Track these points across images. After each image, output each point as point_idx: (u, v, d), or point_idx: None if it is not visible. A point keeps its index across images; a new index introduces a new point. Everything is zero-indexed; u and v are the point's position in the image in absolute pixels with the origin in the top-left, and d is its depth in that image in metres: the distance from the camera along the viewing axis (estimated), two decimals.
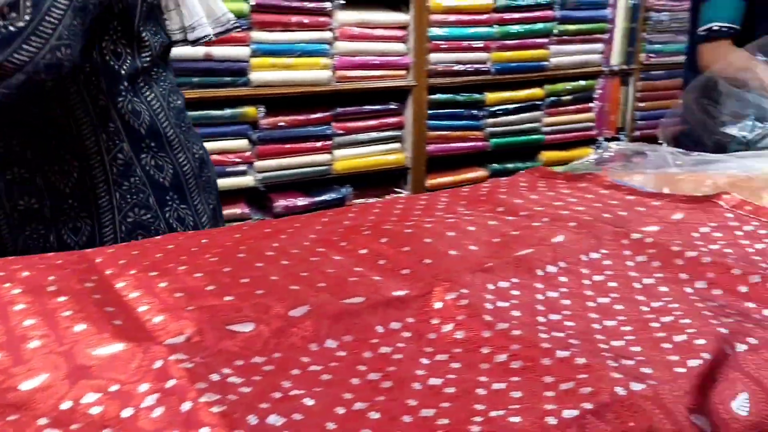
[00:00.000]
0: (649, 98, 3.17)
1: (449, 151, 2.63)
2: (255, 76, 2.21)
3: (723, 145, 1.40)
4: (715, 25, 1.62)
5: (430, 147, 2.58)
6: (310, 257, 0.82)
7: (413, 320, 0.63)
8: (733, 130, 1.34)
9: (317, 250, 0.85)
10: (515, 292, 0.69)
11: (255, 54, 2.21)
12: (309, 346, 0.59)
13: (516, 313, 0.64)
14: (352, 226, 0.94)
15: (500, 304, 0.66)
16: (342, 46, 2.32)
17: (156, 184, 1.07)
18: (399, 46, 2.44)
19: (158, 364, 0.53)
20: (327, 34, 2.29)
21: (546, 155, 2.91)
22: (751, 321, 0.62)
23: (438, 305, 0.65)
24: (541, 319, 0.64)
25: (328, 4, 2.27)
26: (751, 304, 0.66)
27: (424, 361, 0.58)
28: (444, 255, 0.80)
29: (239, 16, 2.10)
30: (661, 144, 1.65)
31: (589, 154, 2.74)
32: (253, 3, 2.18)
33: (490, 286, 0.69)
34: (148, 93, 1.07)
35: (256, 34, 2.21)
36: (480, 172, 2.74)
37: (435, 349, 0.60)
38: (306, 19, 2.25)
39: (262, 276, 0.72)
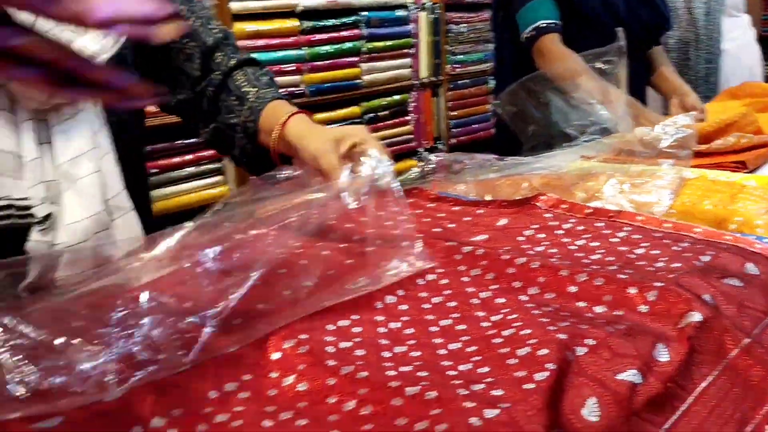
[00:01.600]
0: (459, 106, 3.32)
1: None
2: None
3: (552, 135, 1.46)
4: (542, 23, 1.67)
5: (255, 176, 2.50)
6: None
7: (250, 377, 0.58)
8: (567, 127, 1.41)
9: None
10: (357, 329, 0.65)
11: None
12: (132, 430, 0.51)
13: (360, 352, 0.60)
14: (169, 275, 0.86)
15: (342, 344, 0.61)
16: None
17: None
18: None
19: None
20: None
21: None
22: (585, 321, 0.63)
23: (276, 356, 0.60)
24: (386, 354, 0.60)
25: None
26: (582, 304, 0.68)
27: (267, 423, 0.52)
28: (277, 297, 0.75)
29: None
30: (510, 128, 1.67)
31: (412, 166, 2.80)
32: None
33: (330, 327, 0.65)
34: None
35: None
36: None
37: (277, 406, 0.54)
38: None
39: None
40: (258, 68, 1.10)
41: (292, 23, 2.57)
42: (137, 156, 1.05)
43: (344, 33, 2.74)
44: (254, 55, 2.75)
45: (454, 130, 3.32)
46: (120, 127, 0.97)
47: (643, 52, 1.89)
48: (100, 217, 0.89)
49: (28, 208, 0.85)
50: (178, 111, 1.12)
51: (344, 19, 2.73)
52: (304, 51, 2.61)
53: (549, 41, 1.68)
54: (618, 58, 1.36)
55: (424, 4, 3.09)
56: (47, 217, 0.86)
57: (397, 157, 3.05)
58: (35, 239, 0.86)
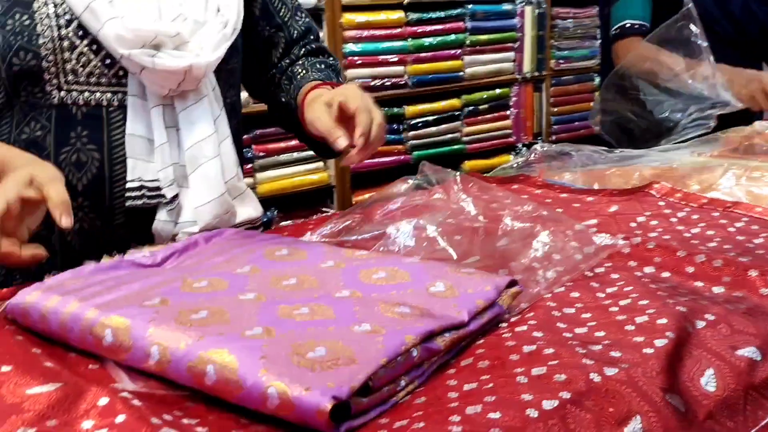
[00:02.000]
0: (562, 103, 3.27)
1: (373, 166, 2.62)
2: None
3: (655, 131, 1.43)
4: (628, 23, 1.66)
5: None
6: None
7: None
8: (665, 115, 1.38)
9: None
10: None
11: None
12: None
13: None
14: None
15: None
16: None
17: None
18: None
19: (104, 401, 0.49)
20: None
21: (469, 165, 2.95)
22: (703, 299, 0.63)
23: None
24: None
25: None
26: (699, 283, 0.68)
27: None
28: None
29: None
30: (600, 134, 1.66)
31: (510, 161, 2.77)
32: None
33: None
34: None
35: None
36: (404, 186, 2.75)
37: None
38: None
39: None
40: (323, 57, 1.13)
41: (399, 15, 2.61)
42: (239, 141, 1.11)
43: (449, 25, 2.76)
44: (360, 46, 2.77)
45: (555, 126, 3.28)
46: (231, 113, 1.03)
47: (760, 54, 1.79)
48: (224, 198, 0.95)
49: (158, 189, 0.92)
50: (260, 95, 1.17)
51: (450, 12, 2.75)
52: (408, 42, 2.65)
53: (628, 44, 1.64)
54: (691, 24, 1.30)
55: None
56: (174, 197, 0.93)
57: (494, 152, 3.04)
58: (162, 219, 0.93)
